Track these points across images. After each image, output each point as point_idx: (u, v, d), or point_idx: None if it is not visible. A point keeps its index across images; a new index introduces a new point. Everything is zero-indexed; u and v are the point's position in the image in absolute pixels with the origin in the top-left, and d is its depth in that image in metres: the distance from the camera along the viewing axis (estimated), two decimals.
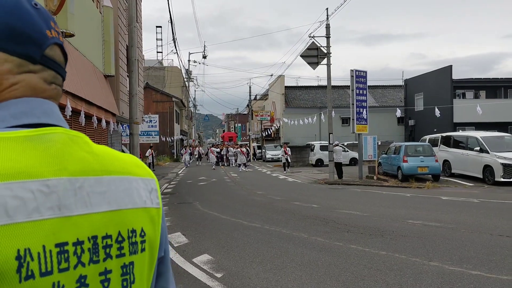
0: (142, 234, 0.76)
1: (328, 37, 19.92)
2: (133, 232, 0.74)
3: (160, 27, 40.17)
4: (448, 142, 18.42)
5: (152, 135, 27.71)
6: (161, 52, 50.37)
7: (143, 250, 0.76)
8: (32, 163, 0.64)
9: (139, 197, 0.77)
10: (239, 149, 29.31)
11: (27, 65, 0.71)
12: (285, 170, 25.17)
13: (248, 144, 39.78)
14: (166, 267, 0.87)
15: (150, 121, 27.27)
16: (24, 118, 0.69)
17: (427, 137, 21.07)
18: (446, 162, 18.13)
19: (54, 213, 0.63)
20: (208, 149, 37.02)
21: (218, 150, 36.24)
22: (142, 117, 22.74)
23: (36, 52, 0.72)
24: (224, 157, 35.05)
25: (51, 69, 0.74)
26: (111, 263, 0.70)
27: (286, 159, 25.45)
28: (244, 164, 28.25)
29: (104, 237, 0.69)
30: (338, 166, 19.42)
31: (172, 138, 39.61)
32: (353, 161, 27.29)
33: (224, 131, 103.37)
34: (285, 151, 25.63)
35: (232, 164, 32.44)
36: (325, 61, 20.09)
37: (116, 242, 0.71)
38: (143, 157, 25.20)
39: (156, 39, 43.60)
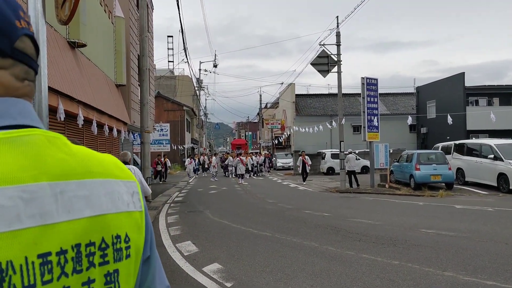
0: (127, 239, 0.72)
1: (338, 44, 19.90)
2: (117, 238, 0.70)
3: (171, 36, 40.70)
4: (462, 149, 18.19)
5: (163, 143, 27.84)
6: (172, 61, 50.81)
7: (128, 256, 0.72)
8: (9, 168, 0.59)
9: (122, 201, 0.73)
10: (238, 158, 26.24)
11: None
12: (304, 181, 22.75)
13: (260, 152, 39.53)
14: (152, 266, 0.82)
15: (161, 129, 27.42)
16: (3, 119, 0.65)
17: (440, 144, 20.83)
18: (459, 170, 17.88)
19: (35, 221, 0.59)
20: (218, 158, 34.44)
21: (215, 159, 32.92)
22: (153, 126, 22.89)
23: (6, 45, 0.65)
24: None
25: (23, 63, 0.68)
26: (94, 272, 0.66)
27: (304, 169, 22.91)
28: (242, 176, 25.02)
29: (88, 244, 0.65)
30: (352, 174, 19.28)
31: (183, 146, 39.77)
32: (364, 169, 27.07)
33: (235, 139, 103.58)
34: (303, 160, 23.01)
35: (231, 175, 29.22)
36: (335, 69, 20.05)
37: (100, 249, 0.67)
38: (156, 166, 25.23)
39: (167, 48, 44.05)
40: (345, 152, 19.50)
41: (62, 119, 8.15)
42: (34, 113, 0.70)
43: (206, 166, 34.20)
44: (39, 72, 1.68)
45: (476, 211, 11.01)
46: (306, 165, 23.05)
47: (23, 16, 0.69)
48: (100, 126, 11.10)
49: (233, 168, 28.09)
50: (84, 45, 10.20)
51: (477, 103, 32.09)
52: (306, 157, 23.49)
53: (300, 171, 23.52)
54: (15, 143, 0.62)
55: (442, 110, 30.75)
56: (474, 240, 7.37)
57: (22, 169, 0.60)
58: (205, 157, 35.29)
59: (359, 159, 27.35)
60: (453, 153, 18.62)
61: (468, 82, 31.49)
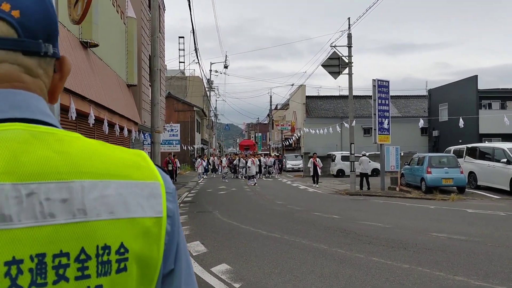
0: (122, 251, 0.62)
1: (349, 46, 19.81)
2: (105, 249, 0.60)
3: (183, 37, 40.82)
4: (474, 153, 17.97)
5: (173, 144, 27.93)
6: (183, 62, 50.99)
7: (121, 270, 0.62)
8: None
9: (122, 205, 0.63)
10: (250, 160, 25.76)
11: None
12: (315, 183, 22.34)
13: (269, 154, 39.48)
14: (175, 282, 0.71)
15: (172, 130, 27.50)
16: None
17: (452, 148, 20.62)
18: (471, 174, 17.66)
19: None
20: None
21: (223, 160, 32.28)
22: (164, 126, 23.01)
23: None
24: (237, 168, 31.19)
25: None
26: (65, 287, 0.57)
27: (315, 171, 22.55)
28: (253, 177, 24.62)
29: (57, 255, 0.57)
30: (365, 176, 19.17)
31: (193, 147, 39.90)
32: (374, 172, 26.89)
33: (243, 140, 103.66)
34: (314, 162, 22.69)
35: (242, 177, 28.50)
36: (346, 70, 19.96)
37: (77, 261, 0.58)
38: (167, 165, 25.36)
39: (179, 49, 44.26)
40: (359, 154, 19.40)
41: (74, 118, 8.22)
42: (35, 104, 0.65)
43: (215, 167, 34.19)
44: None
45: (488, 215, 10.87)
46: (317, 167, 22.66)
47: None
48: (111, 125, 11.18)
49: (243, 169, 27.94)
50: (96, 45, 10.28)
51: (490, 106, 31.70)
52: (317, 159, 23.10)
53: (311, 174, 23.16)
54: None
55: (454, 113, 30.43)
56: (486, 245, 7.27)
57: None
58: (215, 158, 35.07)
59: (370, 162, 27.18)
60: (465, 156, 18.41)
61: (481, 85, 31.19)
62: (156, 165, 0.73)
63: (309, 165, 23.67)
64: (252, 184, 23.36)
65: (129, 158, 0.68)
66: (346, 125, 23.64)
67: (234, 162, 31.27)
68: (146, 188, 0.67)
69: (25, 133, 0.60)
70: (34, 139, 0.60)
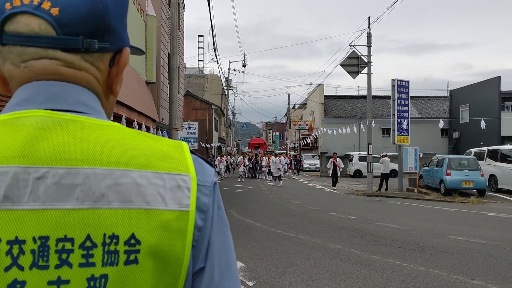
0: (132, 242, 0.60)
1: (369, 46, 19.61)
2: (112, 238, 0.59)
3: (202, 36, 41.00)
4: (495, 155, 17.60)
5: (191, 141, 28.11)
6: (202, 61, 51.27)
7: (131, 262, 0.60)
8: None
9: (139, 196, 0.62)
10: (277, 159, 23.66)
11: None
12: (333, 185, 20.84)
13: (286, 153, 39.30)
14: (205, 282, 0.67)
15: (189, 127, 27.69)
16: (29, 105, 0.63)
17: (473, 150, 20.24)
18: (492, 177, 17.31)
19: None
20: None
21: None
22: (182, 124, 23.17)
23: None
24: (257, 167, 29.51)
25: (25, 45, 0.63)
26: (68, 272, 0.57)
27: (335, 172, 20.80)
28: (280, 177, 22.90)
29: (60, 239, 0.57)
30: (385, 177, 18.96)
31: (210, 145, 40.09)
32: (392, 173, 26.59)
33: (252, 138, 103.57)
34: (334, 163, 20.89)
35: (266, 177, 27.06)
36: (365, 70, 19.77)
37: (82, 247, 0.58)
38: None
39: (198, 47, 44.48)
40: (377, 155, 19.20)
41: None
42: (73, 95, 0.66)
43: (230, 166, 32.73)
44: None
45: (508, 219, 10.63)
46: (338, 168, 20.93)
47: None
48: (129, 122, 11.30)
49: (265, 169, 26.89)
50: None
51: None
52: (338, 159, 21.29)
53: (330, 174, 21.44)
54: (11, 124, 0.60)
55: (476, 114, 29.88)
56: (505, 249, 7.11)
57: (3, 150, 0.58)
58: (227, 157, 33.16)
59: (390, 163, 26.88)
60: (486, 159, 18.06)
61: (505, 86, 30.34)
62: (201, 157, 0.72)
63: (328, 165, 21.79)
64: (280, 185, 21.87)
65: (162, 149, 0.67)
66: (362, 127, 23.37)
67: (252, 161, 29.39)
68: (172, 180, 0.65)
69: (48, 120, 0.61)
70: (56, 126, 0.61)
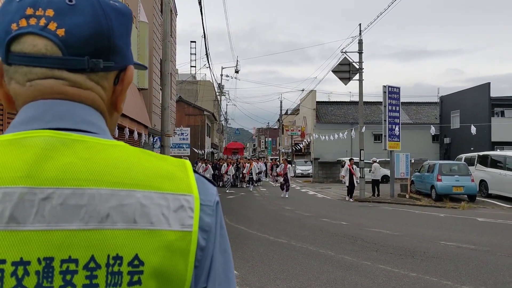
0: (136, 263, 0.60)
1: (360, 52, 19.77)
2: (116, 259, 0.59)
3: (194, 42, 41.03)
4: (486, 161, 17.76)
5: (183, 147, 28.03)
6: (195, 66, 51.37)
7: (134, 283, 0.60)
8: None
9: (143, 216, 0.61)
10: (283, 164, 20.88)
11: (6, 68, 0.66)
12: (350, 196, 18.02)
13: (278, 159, 39.29)
14: None
15: (182, 133, 27.60)
16: (35, 123, 0.64)
17: (463, 155, 20.41)
18: (482, 182, 17.46)
19: None
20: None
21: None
22: (174, 130, 23.11)
23: (1, 53, 0.65)
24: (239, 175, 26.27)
25: (31, 66, 0.64)
26: None
27: (351, 181, 17.92)
28: (287, 187, 19.60)
29: (65, 260, 0.57)
30: (376, 183, 19.02)
31: (203, 151, 40.02)
32: (384, 179, 26.72)
33: (254, 145, 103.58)
34: (350, 170, 17.98)
35: (250, 185, 24.64)
36: (357, 76, 19.92)
37: (86, 268, 0.58)
38: None
39: (190, 53, 44.53)
40: (368, 161, 19.25)
41: None
42: (79, 114, 0.66)
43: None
44: None
45: (498, 224, 10.73)
46: (354, 176, 17.91)
47: (31, 13, 0.64)
48: (121, 128, 11.28)
49: (254, 176, 24.81)
50: None
51: (502, 114, 31.34)
52: (354, 166, 18.33)
53: (346, 183, 18.19)
54: (17, 145, 0.60)
55: (466, 120, 30.14)
56: (495, 254, 7.17)
57: (10, 170, 0.58)
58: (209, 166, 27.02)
59: (381, 168, 26.99)
60: (476, 164, 18.21)
61: (495, 92, 30.85)
62: (204, 176, 0.72)
63: (343, 173, 18.72)
64: (286, 196, 19.02)
65: (165, 168, 0.67)
66: (353, 133, 23.47)
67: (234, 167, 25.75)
68: (175, 200, 0.65)
69: (54, 140, 0.62)
70: (61, 146, 0.61)
